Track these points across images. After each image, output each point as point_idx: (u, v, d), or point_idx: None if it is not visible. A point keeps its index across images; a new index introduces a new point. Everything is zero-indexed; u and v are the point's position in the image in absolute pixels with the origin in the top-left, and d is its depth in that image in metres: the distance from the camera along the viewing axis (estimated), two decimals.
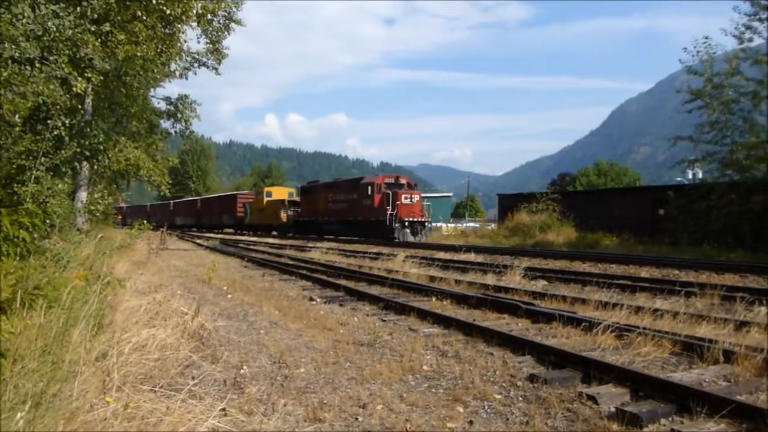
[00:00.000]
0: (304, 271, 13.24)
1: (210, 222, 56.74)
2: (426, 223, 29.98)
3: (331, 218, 34.36)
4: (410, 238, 28.25)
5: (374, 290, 10.06)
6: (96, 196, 16.10)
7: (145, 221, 11.82)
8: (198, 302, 6.76)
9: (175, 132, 20.96)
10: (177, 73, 20.13)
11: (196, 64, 20.23)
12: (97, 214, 15.63)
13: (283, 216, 40.97)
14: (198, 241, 32.93)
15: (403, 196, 29.23)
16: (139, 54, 14.81)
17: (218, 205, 55.68)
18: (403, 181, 31.31)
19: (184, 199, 73.54)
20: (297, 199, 42.18)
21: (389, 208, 28.69)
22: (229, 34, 18.97)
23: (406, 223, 28.73)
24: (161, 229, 28.17)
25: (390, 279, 10.83)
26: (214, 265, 12.40)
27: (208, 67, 20.20)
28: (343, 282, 11.10)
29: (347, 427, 3.68)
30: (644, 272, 13.17)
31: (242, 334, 6.48)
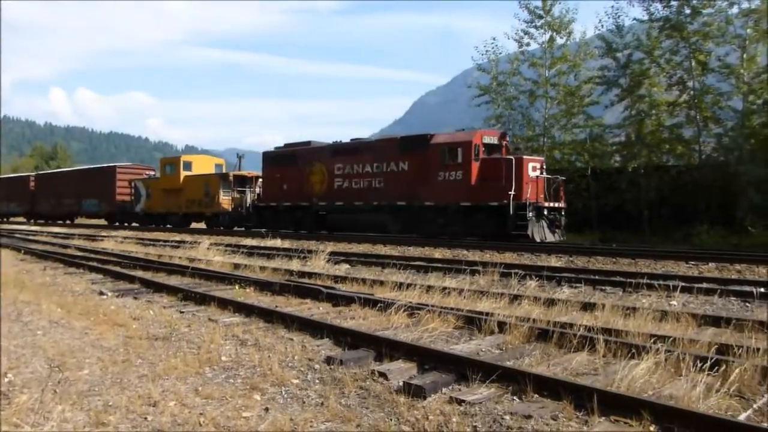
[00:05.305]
0: (95, 263, 12.14)
1: (57, 209, 39.37)
2: (563, 210, 18.23)
3: (349, 203, 21.15)
4: (549, 237, 17.32)
5: (173, 280, 9.59)
6: None
7: None
8: None
9: None
10: None
11: None
12: None
13: (224, 200, 26.79)
14: None
15: (530, 165, 17.42)
16: None
17: (76, 185, 37.35)
18: (503, 141, 19.04)
19: (3, 176, 51.51)
20: (247, 173, 27.60)
21: (510, 185, 16.79)
22: None
23: (545, 211, 17.33)
24: None
25: (191, 268, 10.40)
26: None
27: None
28: (139, 273, 10.40)
29: (134, 429, 3.47)
30: (438, 253, 14.25)
31: (13, 337, 5.75)
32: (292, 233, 21.58)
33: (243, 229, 24.92)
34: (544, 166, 18.15)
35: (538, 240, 16.72)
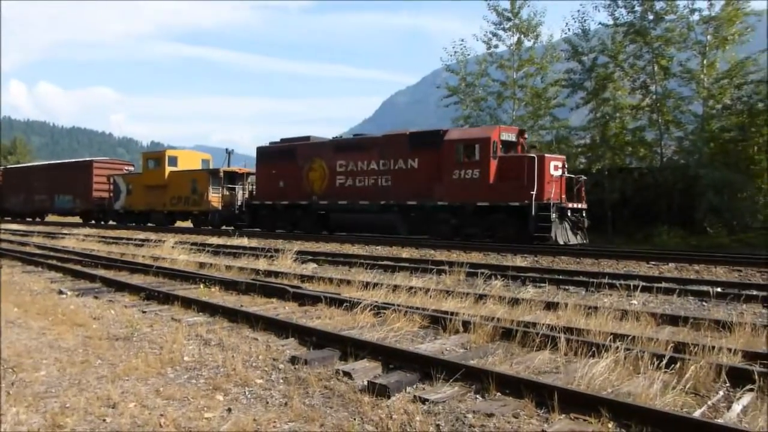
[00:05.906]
0: (54, 261, 11.84)
1: (27, 206, 37.00)
2: (584, 211, 17.18)
3: (353, 202, 19.87)
4: (572, 240, 16.35)
5: (136, 279, 9.41)
6: None
7: None
8: None
9: None
10: None
11: None
12: None
13: (213, 198, 25.10)
14: None
15: (552, 163, 16.49)
16: None
17: (48, 180, 35.20)
18: (521, 138, 18.15)
19: None
20: (238, 170, 25.97)
21: (531, 185, 15.81)
22: None
23: (568, 212, 16.47)
24: None
25: (155, 267, 10.23)
26: None
27: None
28: (101, 272, 10.18)
29: (92, 431, 3.40)
30: (405, 253, 14.30)
31: None
32: (254, 232, 21.37)
33: (232, 228, 22.90)
34: (566, 165, 17.25)
35: (561, 243, 15.79)
